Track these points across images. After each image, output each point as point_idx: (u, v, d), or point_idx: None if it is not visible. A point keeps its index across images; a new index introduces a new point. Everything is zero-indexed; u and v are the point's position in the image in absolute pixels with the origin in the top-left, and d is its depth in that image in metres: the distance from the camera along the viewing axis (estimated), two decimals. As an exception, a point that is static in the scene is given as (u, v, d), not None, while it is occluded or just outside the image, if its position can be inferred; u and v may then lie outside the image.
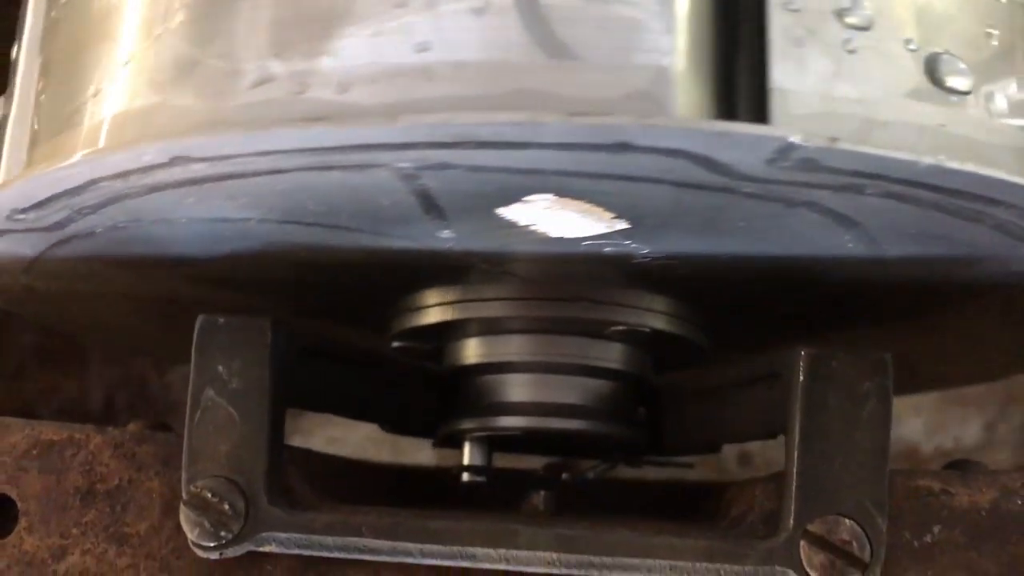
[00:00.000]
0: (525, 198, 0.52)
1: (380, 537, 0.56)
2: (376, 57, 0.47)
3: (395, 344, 0.70)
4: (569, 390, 0.68)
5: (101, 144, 0.52)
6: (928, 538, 0.56)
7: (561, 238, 0.57)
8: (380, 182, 0.51)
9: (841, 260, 0.59)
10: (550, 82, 0.46)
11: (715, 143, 0.46)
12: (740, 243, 0.57)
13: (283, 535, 0.56)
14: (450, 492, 0.77)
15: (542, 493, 0.72)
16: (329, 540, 0.56)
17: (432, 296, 0.68)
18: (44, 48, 0.58)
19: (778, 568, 0.54)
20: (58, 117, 0.55)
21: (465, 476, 0.71)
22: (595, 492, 0.82)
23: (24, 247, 0.62)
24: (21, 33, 0.60)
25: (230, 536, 0.56)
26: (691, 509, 0.73)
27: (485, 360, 0.69)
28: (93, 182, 0.53)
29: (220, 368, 0.58)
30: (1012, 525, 0.56)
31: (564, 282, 0.65)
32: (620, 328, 0.66)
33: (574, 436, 0.70)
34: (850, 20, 0.48)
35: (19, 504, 0.59)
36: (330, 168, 0.50)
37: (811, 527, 0.54)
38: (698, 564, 0.54)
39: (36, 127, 0.57)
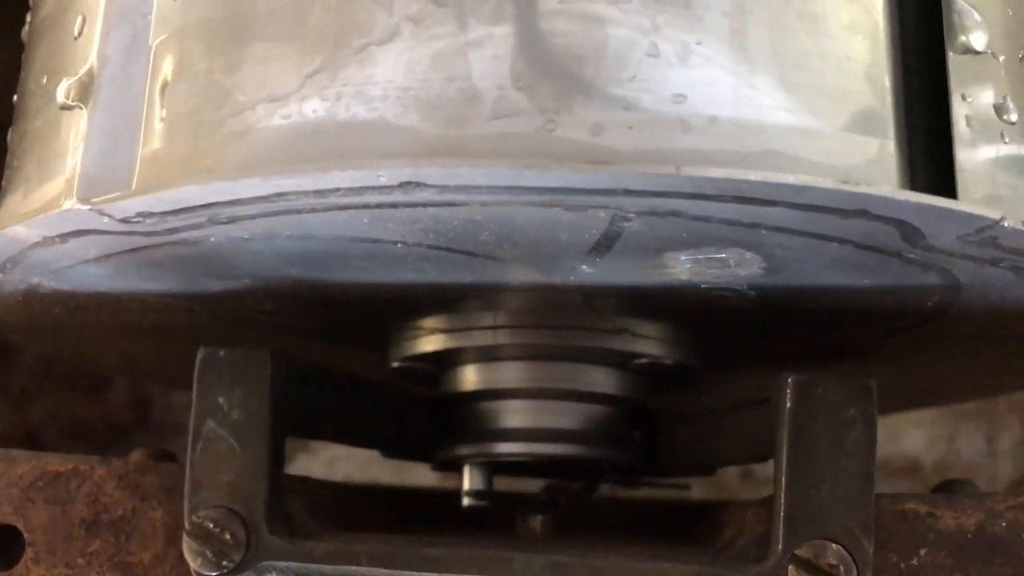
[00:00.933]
0: (706, 246, 0.53)
1: (378, 565, 0.56)
2: (632, 103, 0.47)
3: (394, 366, 0.71)
4: (567, 416, 0.69)
5: (278, 157, 0.48)
6: (915, 561, 0.56)
7: (689, 280, 0.57)
8: (586, 221, 0.50)
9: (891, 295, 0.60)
10: (791, 145, 0.48)
11: (936, 217, 0.49)
12: (827, 283, 0.59)
13: (283, 564, 0.57)
14: (451, 512, 0.78)
15: (539, 517, 0.73)
16: (328, 569, 0.57)
17: (430, 323, 0.68)
18: (160, 34, 0.52)
19: (767, 593, 0.55)
20: (205, 120, 0.50)
21: (465, 501, 0.71)
22: (594, 514, 0.83)
23: (92, 248, 0.57)
24: (90, 11, 0.55)
25: (232, 565, 0.57)
26: (688, 529, 0.74)
27: (483, 387, 0.69)
28: (280, 195, 0.48)
29: (221, 400, 0.58)
30: (998, 547, 0.56)
31: (567, 311, 0.65)
32: (643, 361, 0.67)
33: (572, 461, 0.70)
34: (1004, 117, 0.52)
35: (25, 535, 0.60)
36: (555, 206, 0.48)
37: (799, 552, 0.54)
38: (688, 590, 0.55)
39: (163, 126, 0.52)
